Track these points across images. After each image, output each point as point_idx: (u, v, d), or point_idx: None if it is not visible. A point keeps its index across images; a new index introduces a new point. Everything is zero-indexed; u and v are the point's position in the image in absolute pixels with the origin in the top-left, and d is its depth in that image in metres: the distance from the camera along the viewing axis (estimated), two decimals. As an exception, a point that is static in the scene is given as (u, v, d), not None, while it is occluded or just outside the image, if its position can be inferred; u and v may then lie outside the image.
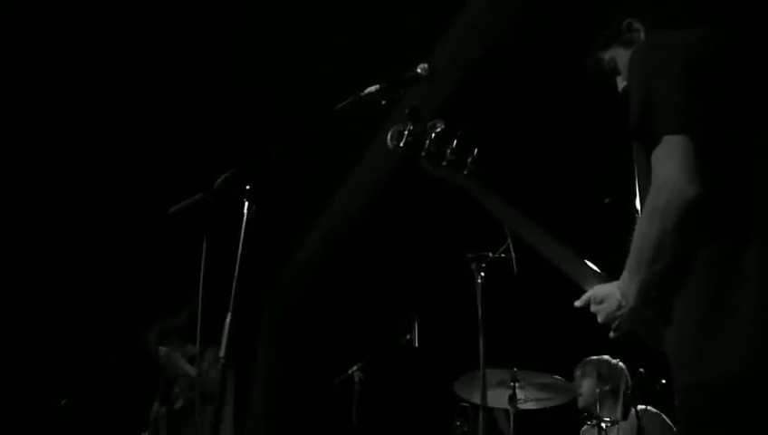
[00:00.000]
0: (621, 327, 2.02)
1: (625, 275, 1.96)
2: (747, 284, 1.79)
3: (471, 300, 3.99)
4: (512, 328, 5.20)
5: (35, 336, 6.59)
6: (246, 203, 2.36)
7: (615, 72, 2.26)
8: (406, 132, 2.13)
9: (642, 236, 1.87)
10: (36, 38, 5.28)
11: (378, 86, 2.33)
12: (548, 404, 4.57)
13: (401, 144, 2.14)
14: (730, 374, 1.77)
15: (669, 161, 1.82)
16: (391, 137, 2.15)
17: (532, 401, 4.53)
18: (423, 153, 2.13)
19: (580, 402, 4.68)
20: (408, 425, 5.33)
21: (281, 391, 7.66)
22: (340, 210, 7.13)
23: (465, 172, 2.12)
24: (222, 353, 2.21)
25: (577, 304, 2.09)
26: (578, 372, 4.71)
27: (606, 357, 4.69)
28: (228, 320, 2.25)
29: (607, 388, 4.57)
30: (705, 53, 1.92)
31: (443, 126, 2.14)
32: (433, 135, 2.13)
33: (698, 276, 1.85)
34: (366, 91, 2.34)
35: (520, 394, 4.38)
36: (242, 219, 2.34)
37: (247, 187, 2.37)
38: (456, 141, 2.13)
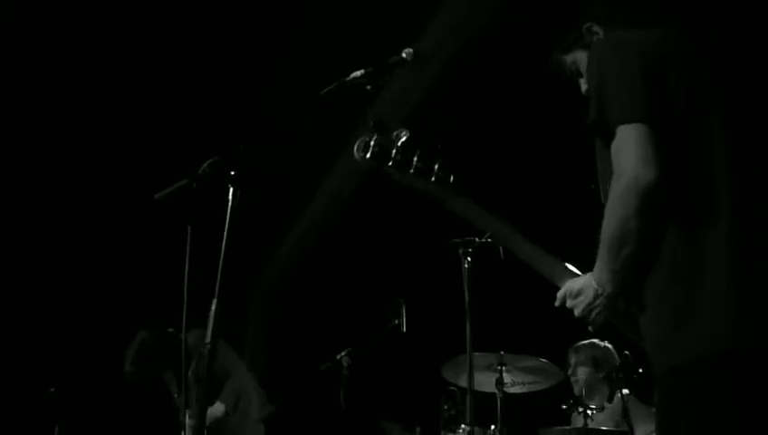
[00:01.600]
0: (599, 318, 2.03)
1: (598, 264, 1.97)
2: (715, 267, 1.81)
3: (458, 285, 4.01)
4: (498, 312, 5.22)
5: (20, 324, 6.56)
6: (231, 189, 2.35)
7: (577, 74, 2.30)
8: (372, 143, 2.15)
9: (607, 225, 1.90)
10: (28, 25, 5.25)
11: (362, 71, 2.33)
12: (535, 388, 4.60)
13: (368, 155, 2.15)
14: (704, 357, 1.79)
15: (625, 149, 1.85)
16: (357, 148, 2.17)
17: (518, 384, 4.55)
18: (390, 163, 2.15)
19: (577, 390, 4.70)
20: (396, 410, 5.33)
21: (268, 378, 7.67)
22: (326, 196, 7.13)
23: (433, 178, 2.15)
24: (207, 339, 2.21)
25: (556, 304, 2.11)
26: (572, 359, 4.72)
27: (597, 341, 4.71)
28: (214, 306, 2.25)
29: (601, 375, 4.60)
30: (657, 48, 1.96)
31: (408, 135, 2.16)
32: (399, 144, 2.15)
33: (667, 263, 1.88)
34: (351, 76, 2.34)
35: (507, 378, 4.41)
36: (227, 205, 2.33)
37: (232, 172, 2.36)
38: (421, 149, 2.15)
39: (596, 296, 1.98)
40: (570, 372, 4.71)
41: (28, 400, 5.49)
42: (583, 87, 2.27)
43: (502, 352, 4.36)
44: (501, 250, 3.77)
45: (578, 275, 2.09)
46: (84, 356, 6.31)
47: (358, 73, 2.33)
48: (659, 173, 1.82)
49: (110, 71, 5.61)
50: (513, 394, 4.51)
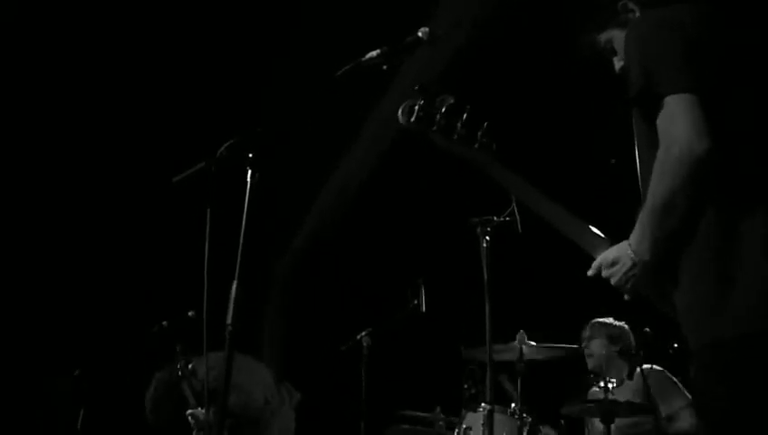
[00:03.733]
0: (636, 288, 2.02)
1: (637, 232, 1.97)
2: (755, 246, 1.81)
3: (477, 264, 4.00)
4: (518, 290, 5.22)
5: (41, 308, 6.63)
6: (249, 171, 2.36)
7: (612, 53, 2.28)
8: (416, 108, 2.16)
9: (654, 193, 1.89)
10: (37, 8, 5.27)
11: (378, 51, 2.32)
12: (554, 355, 4.60)
13: (412, 119, 2.16)
14: (743, 332, 1.79)
15: (677, 119, 1.84)
16: (402, 112, 2.18)
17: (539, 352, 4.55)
18: (434, 128, 2.16)
19: (591, 364, 4.71)
20: (417, 389, 5.36)
21: (289, 359, 7.71)
22: (346, 176, 7.12)
23: (476, 146, 2.16)
24: (228, 321, 2.23)
25: (589, 273, 2.10)
26: (586, 334, 4.74)
27: (613, 320, 4.72)
28: (234, 288, 2.27)
29: (616, 349, 4.61)
30: (698, 24, 1.97)
31: (452, 100, 2.17)
32: (443, 110, 2.16)
33: (706, 238, 1.88)
34: (367, 56, 2.33)
35: (526, 351, 4.41)
36: (245, 187, 2.34)
37: (250, 155, 2.36)
38: (465, 115, 2.16)
39: (633, 265, 1.97)
40: (584, 345, 4.72)
41: (53, 383, 5.56)
42: (617, 65, 2.26)
43: (521, 331, 4.35)
44: (519, 226, 3.77)
45: (612, 244, 2.08)
46: (108, 339, 6.37)
47: (374, 54, 2.31)
48: (711, 145, 1.80)
49: (127, 54, 5.63)
50: (535, 369, 4.50)
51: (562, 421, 4.57)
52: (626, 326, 4.68)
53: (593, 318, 4.82)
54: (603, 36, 2.26)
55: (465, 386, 4.35)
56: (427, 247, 6.57)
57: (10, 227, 6.37)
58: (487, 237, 3.99)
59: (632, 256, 1.97)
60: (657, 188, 1.88)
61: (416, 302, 4.72)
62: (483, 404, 4.05)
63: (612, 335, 4.67)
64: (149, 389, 4.75)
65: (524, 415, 4.07)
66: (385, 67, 2.32)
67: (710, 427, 1.89)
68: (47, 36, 5.50)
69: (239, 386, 4.37)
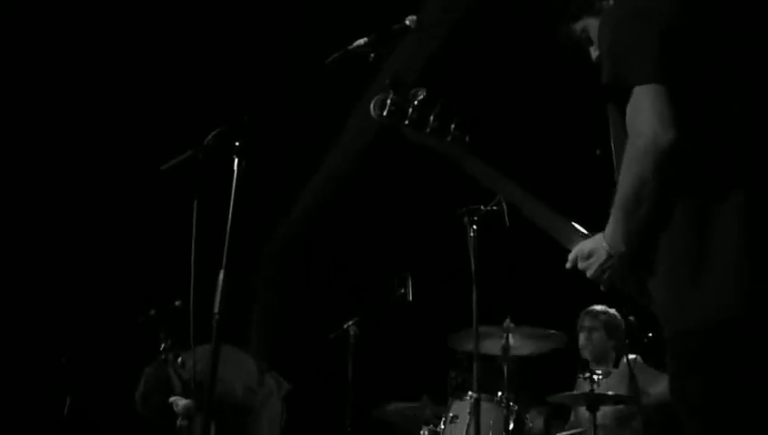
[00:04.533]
0: (611, 279, 2.03)
1: (610, 224, 1.97)
2: (727, 232, 1.82)
3: (464, 253, 4.01)
4: (505, 280, 5.24)
5: (32, 297, 6.61)
6: (237, 159, 2.35)
7: (588, 42, 2.26)
8: (388, 101, 2.15)
9: (622, 185, 1.90)
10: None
11: (366, 39, 2.31)
12: (539, 351, 4.62)
13: (384, 113, 2.16)
14: (715, 323, 1.80)
15: (643, 110, 1.84)
16: (374, 106, 2.17)
17: (525, 348, 4.57)
18: (406, 121, 2.15)
19: (587, 353, 4.72)
20: (404, 378, 5.38)
21: (277, 347, 7.72)
22: (332, 166, 7.12)
23: (449, 138, 2.15)
24: (216, 310, 2.23)
25: (567, 265, 2.10)
26: (586, 323, 4.74)
27: (605, 308, 4.73)
28: (221, 277, 2.26)
29: (613, 341, 4.63)
30: (672, 12, 1.95)
31: (425, 94, 2.16)
32: (415, 103, 2.15)
33: (679, 227, 1.88)
34: (354, 44, 2.33)
35: (513, 342, 4.42)
36: (232, 176, 2.33)
37: (237, 143, 2.36)
38: (438, 108, 2.16)
39: (608, 257, 1.98)
40: (584, 335, 4.72)
41: (39, 370, 5.55)
42: (594, 54, 2.25)
43: (508, 319, 4.37)
44: (506, 218, 3.78)
45: (587, 237, 2.09)
46: (95, 328, 6.36)
47: (361, 41, 2.32)
48: (677, 135, 1.80)
49: (114, 44, 5.59)
50: (520, 359, 4.53)
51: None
52: (618, 315, 4.71)
53: (580, 308, 4.85)
54: (579, 25, 2.24)
55: (452, 375, 4.36)
56: (414, 237, 6.58)
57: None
58: (474, 227, 4.00)
59: (607, 248, 1.98)
60: (624, 179, 1.89)
61: (402, 291, 4.73)
62: (469, 393, 4.07)
63: (611, 326, 4.69)
64: (139, 384, 4.76)
65: (511, 403, 4.09)
66: (372, 55, 2.32)
67: (686, 414, 1.90)
68: (35, 24, 5.45)
69: (224, 378, 4.37)
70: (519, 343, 4.49)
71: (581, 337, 4.75)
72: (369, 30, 2.36)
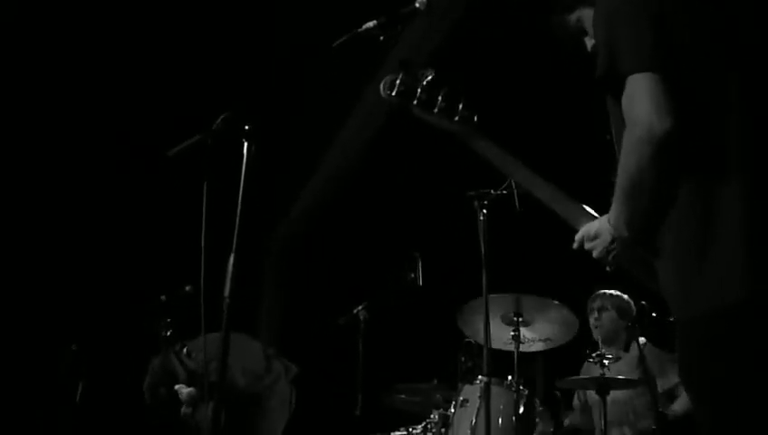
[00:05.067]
0: (616, 260, 2.06)
1: (613, 208, 1.99)
2: (730, 217, 1.82)
3: (474, 237, 4.00)
4: (515, 264, 5.22)
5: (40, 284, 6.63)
6: (245, 144, 2.35)
7: (582, 32, 2.27)
8: (398, 81, 2.18)
9: (622, 172, 1.91)
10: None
11: (375, 21, 2.31)
12: (552, 345, 4.60)
13: (393, 93, 2.19)
14: (722, 306, 1.81)
15: (639, 99, 1.85)
16: (384, 86, 2.20)
17: (534, 341, 4.57)
18: (415, 101, 2.19)
19: (598, 334, 4.72)
20: (414, 363, 5.38)
21: (286, 332, 7.74)
22: (342, 150, 7.10)
23: (456, 118, 2.18)
24: (226, 294, 2.23)
25: (574, 246, 2.13)
26: (596, 304, 4.75)
27: (618, 293, 4.73)
28: (232, 260, 2.26)
29: (624, 323, 4.63)
30: (666, 1, 1.94)
31: (433, 74, 2.19)
32: (424, 83, 2.18)
33: (683, 212, 1.89)
34: (364, 26, 2.32)
35: (523, 332, 4.41)
36: (241, 160, 2.33)
37: (246, 127, 2.35)
38: (446, 89, 2.19)
39: (613, 240, 2.01)
40: (595, 316, 4.73)
41: (51, 357, 5.57)
42: (589, 44, 2.26)
43: (518, 295, 4.35)
44: (517, 201, 3.77)
45: (595, 218, 2.10)
46: (106, 314, 6.38)
47: (371, 24, 2.31)
48: (673, 123, 1.81)
49: (121, 29, 5.59)
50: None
51: (558, 393, 4.60)
52: (631, 300, 4.70)
53: (590, 291, 4.84)
54: (573, 16, 2.25)
55: (462, 359, 4.36)
56: (425, 221, 6.57)
57: (8, 202, 6.35)
58: (484, 210, 3.99)
59: (611, 230, 2.00)
60: (624, 167, 1.89)
61: (413, 275, 4.72)
62: (480, 377, 4.07)
63: (622, 308, 4.70)
64: (147, 374, 4.79)
65: (521, 387, 4.09)
66: (382, 38, 2.32)
67: (695, 399, 1.93)
68: (39, 11, 5.45)
69: (232, 365, 4.40)
70: (529, 335, 4.49)
71: (591, 318, 4.76)
72: (377, 13, 2.35)
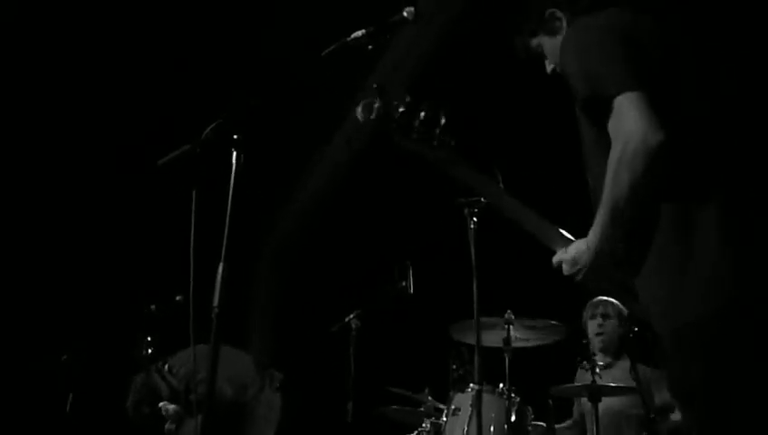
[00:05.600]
0: (595, 277, 2.13)
1: (595, 224, 2.04)
2: (710, 230, 1.88)
3: (464, 245, 4.01)
4: (505, 271, 5.22)
5: (32, 296, 6.61)
6: (235, 153, 2.34)
7: (542, 56, 2.41)
8: (376, 105, 2.18)
9: (613, 188, 1.93)
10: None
11: (364, 31, 2.32)
12: (543, 342, 4.61)
13: (372, 117, 2.19)
14: (705, 314, 1.87)
15: (629, 116, 1.90)
16: (362, 110, 2.20)
17: (526, 340, 4.57)
18: (393, 125, 2.19)
19: (600, 341, 4.69)
20: (406, 370, 5.37)
21: (277, 341, 7.72)
22: (331, 158, 7.11)
23: (435, 143, 2.19)
24: (215, 303, 2.22)
25: (553, 264, 2.23)
26: (600, 310, 4.71)
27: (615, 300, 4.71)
28: (221, 270, 2.25)
29: (621, 331, 4.64)
30: (629, 27, 2.06)
31: (411, 100, 2.20)
32: (401, 108, 2.19)
33: (665, 227, 1.94)
34: (352, 36, 2.33)
35: (514, 334, 4.42)
36: (231, 169, 2.32)
37: (235, 136, 2.34)
38: (423, 114, 2.19)
39: (591, 257, 2.06)
40: (599, 322, 4.70)
41: (41, 367, 5.55)
42: (548, 67, 2.40)
43: (509, 311, 4.37)
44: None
45: (570, 241, 2.19)
46: (96, 324, 6.36)
47: (359, 33, 2.32)
48: (666, 137, 1.86)
49: (111, 40, 5.59)
50: (522, 351, 4.52)
51: (550, 401, 4.60)
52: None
53: (580, 300, 4.84)
54: (534, 41, 2.39)
55: (453, 367, 4.36)
56: (415, 229, 6.57)
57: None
58: (475, 218, 4.00)
59: (591, 248, 2.05)
60: (616, 183, 1.92)
61: (404, 283, 4.72)
62: (471, 385, 4.07)
63: (622, 316, 4.69)
64: (129, 392, 4.78)
65: (513, 395, 4.09)
66: (370, 47, 2.33)
67: (687, 403, 1.97)
68: (33, 23, 5.45)
69: (219, 375, 4.38)
70: (520, 335, 4.49)
71: (593, 324, 4.73)
72: (365, 22, 2.35)
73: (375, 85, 2.20)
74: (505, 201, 2.30)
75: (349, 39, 2.32)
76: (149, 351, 4.56)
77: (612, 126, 1.94)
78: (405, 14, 2.34)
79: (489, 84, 5.48)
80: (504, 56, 2.51)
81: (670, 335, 1.94)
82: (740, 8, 4.39)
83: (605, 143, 1.97)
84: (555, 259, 2.20)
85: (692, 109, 1.99)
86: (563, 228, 2.25)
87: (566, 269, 2.16)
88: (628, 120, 1.89)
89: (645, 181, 1.89)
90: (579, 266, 2.11)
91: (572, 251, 2.14)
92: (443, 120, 2.20)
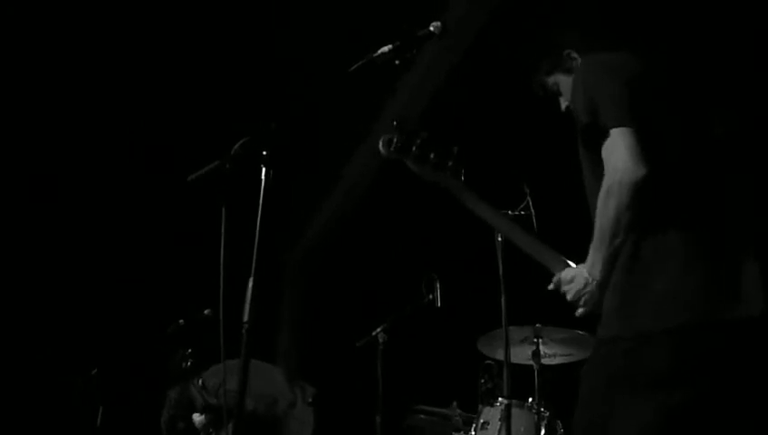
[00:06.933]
0: (587, 305, 2.27)
1: (591, 255, 2.23)
2: (670, 259, 2.07)
3: (492, 258, 4.00)
4: (533, 284, 5.19)
5: (60, 307, 6.67)
6: (264, 168, 2.36)
7: (558, 93, 2.60)
8: (395, 139, 2.48)
9: (602, 216, 2.15)
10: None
11: (390, 46, 2.34)
12: (571, 359, 4.58)
13: (391, 149, 2.49)
14: (640, 332, 2.04)
15: (618, 149, 2.11)
16: (382, 144, 2.49)
17: (554, 356, 4.54)
18: (410, 157, 2.48)
19: None
20: (433, 385, 5.35)
21: (305, 355, 7.73)
22: (358, 171, 7.12)
23: (447, 172, 2.48)
24: (245, 319, 2.23)
25: (549, 287, 2.40)
26: None
27: None
28: (251, 285, 2.27)
29: None
30: (633, 68, 2.27)
31: (426, 134, 2.49)
32: (418, 142, 2.47)
33: (626, 252, 2.13)
34: (379, 51, 2.35)
35: (543, 350, 4.39)
36: (260, 185, 2.34)
37: (264, 152, 2.36)
38: (437, 146, 2.48)
39: (586, 284, 2.23)
40: None
41: (71, 382, 5.59)
42: (563, 104, 2.59)
43: (538, 325, 4.35)
44: (534, 222, 3.77)
45: (571, 266, 2.34)
46: (125, 338, 6.41)
47: (386, 49, 2.35)
48: (648, 171, 2.07)
49: (142, 53, 5.66)
50: (550, 366, 4.50)
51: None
52: None
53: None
54: (551, 80, 2.58)
55: (482, 380, 4.34)
56: (442, 242, 6.56)
57: (30, 228, 6.41)
58: (502, 231, 3.98)
59: (586, 276, 2.23)
60: (604, 211, 2.13)
61: (431, 297, 4.71)
62: (500, 399, 4.05)
63: None
64: (164, 407, 4.81)
65: (542, 410, 4.06)
66: (397, 62, 2.34)
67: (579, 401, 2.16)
68: (53, 34, 5.53)
69: (251, 390, 4.41)
70: (548, 351, 4.46)
71: None
72: (392, 36, 2.37)
73: (395, 121, 2.48)
74: (509, 228, 2.54)
75: (376, 55, 2.35)
76: (188, 363, 4.60)
77: (605, 155, 2.14)
78: (431, 28, 2.36)
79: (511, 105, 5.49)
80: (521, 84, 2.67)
81: (597, 342, 2.16)
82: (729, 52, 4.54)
83: (600, 174, 2.16)
84: (554, 280, 2.36)
85: (674, 147, 2.17)
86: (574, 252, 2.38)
87: (563, 288, 2.33)
88: (617, 154, 2.09)
89: (630, 210, 2.08)
90: (572, 287, 2.27)
91: (571, 272, 2.30)
92: (455, 152, 2.48)
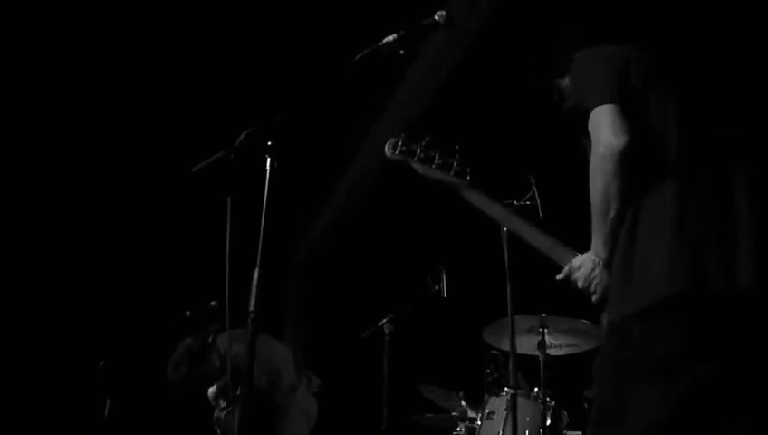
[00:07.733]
0: (599, 289, 2.30)
1: (593, 236, 2.26)
2: (657, 229, 2.09)
3: (498, 248, 3.99)
4: (539, 274, 5.19)
5: (67, 302, 6.70)
6: (269, 159, 2.36)
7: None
8: (400, 143, 2.57)
9: (593, 191, 2.19)
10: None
11: (395, 35, 2.34)
12: (576, 350, 4.58)
13: (397, 152, 2.57)
14: (648, 306, 2.04)
15: (599, 125, 2.17)
16: (388, 147, 2.58)
17: (560, 347, 4.54)
18: (415, 159, 2.56)
19: None
20: (439, 375, 5.36)
21: (311, 346, 7.75)
22: (364, 163, 7.12)
23: (452, 172, 2.54)
24: (251, 308, 2.24)
25: (559, 277, 2.43)
26: None
27: None
28: (256, 276, 2.27)
29: None
30: (621, 56, 2.33)
31: (430, 137, 2.57)
32: (423, 144, 2.56)
33: (624, 229, 2.15)
34: (384, 40, 2.35)
35: (549, 340, 4.39)
36: (265, 175, 2.34)
37: (269, 143, 2.37)
38: (442, 148, 2.55)
39: (594, 267, 2.27)
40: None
41: (78, 374, 5.61)
42: None
43: (543, 314, 4.35)
44: (540, 212, 3.77)
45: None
46: (132, 330, 6.43)
47: (390, 38, 2.35)
48: (629, 139, 2.12)
49: (147, 44, 5.66)
50: (556, 356, 4.50)
51: (586, 405, 4.56)
52: None
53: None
54: (564, 81, 2.57)
55: (488, 371, 4.34)
56: (448, 232, 6.55)
57: (35, 221, 6.43)
58: (508, 221, 3.97)
59: (594, 258, 2.27)
60: (593, 187, 2.18)
61: (437, 287, 4.71)
62: (506, 389, 4.05)
63: None
64: (175, 351, 4.86)
65: (548, 399, 4.06)
66: (402, 51, 2.34)
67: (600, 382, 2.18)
68: (56, 29, 5.53)
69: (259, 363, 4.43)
70: (554, 341, 4.46)
71: None
72: (397, 26, 2.37)
73: (402, 134, 2.58)
74: (516, 224, 2.56)
75: (380, 44, 2.35)
76: (212, 338, 4.68)
77: (591, 134, 2.19)
78: (436, 17, 2.35)
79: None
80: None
81: (608, 325, 2.15)
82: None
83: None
84: (564, 271, 2.38)
85: (662, 124, 2.22)
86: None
87: (573, 276, 2.36)
88: (600, 129, 2.15)
89: (617, 179, 2.12)
90: (581, 272, 2.30)
91: (579, 259, 2.33)
92: (459, 154, 2.55)
